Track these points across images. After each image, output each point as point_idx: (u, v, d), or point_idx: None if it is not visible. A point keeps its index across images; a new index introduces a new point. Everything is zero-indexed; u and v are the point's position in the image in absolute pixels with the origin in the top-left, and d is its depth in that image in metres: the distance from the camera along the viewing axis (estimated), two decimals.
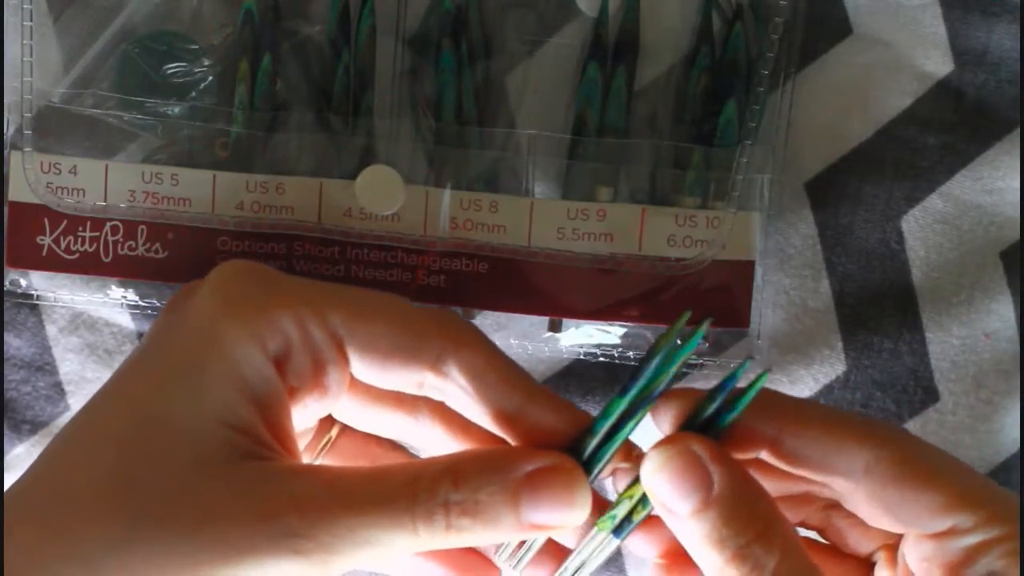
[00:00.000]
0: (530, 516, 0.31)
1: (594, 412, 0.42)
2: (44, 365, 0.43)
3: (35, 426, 0.43)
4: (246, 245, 0.40)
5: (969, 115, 0.42)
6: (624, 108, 0.40)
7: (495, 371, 0.32)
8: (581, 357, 0.42)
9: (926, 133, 0.42)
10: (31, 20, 0.39)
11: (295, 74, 0.41)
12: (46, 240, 0.40)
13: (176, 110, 0.40)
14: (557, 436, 0.32)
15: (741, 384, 0.32)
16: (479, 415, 0.33)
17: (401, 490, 0.30)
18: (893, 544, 0.35)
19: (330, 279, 0.40)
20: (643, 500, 0.32)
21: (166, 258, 0.40)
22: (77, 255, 0.40)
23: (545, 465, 0.31)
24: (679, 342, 0.31)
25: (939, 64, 0.41)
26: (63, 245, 0.40)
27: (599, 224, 0.40)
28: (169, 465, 0.30)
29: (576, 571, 0.33)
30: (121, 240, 0.40)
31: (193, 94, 0.40)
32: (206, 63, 0.40)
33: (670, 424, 0.32)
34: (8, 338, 0.43)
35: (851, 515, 0.34)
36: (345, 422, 0.37)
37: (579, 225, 0.40)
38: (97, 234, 0.40)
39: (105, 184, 0.40)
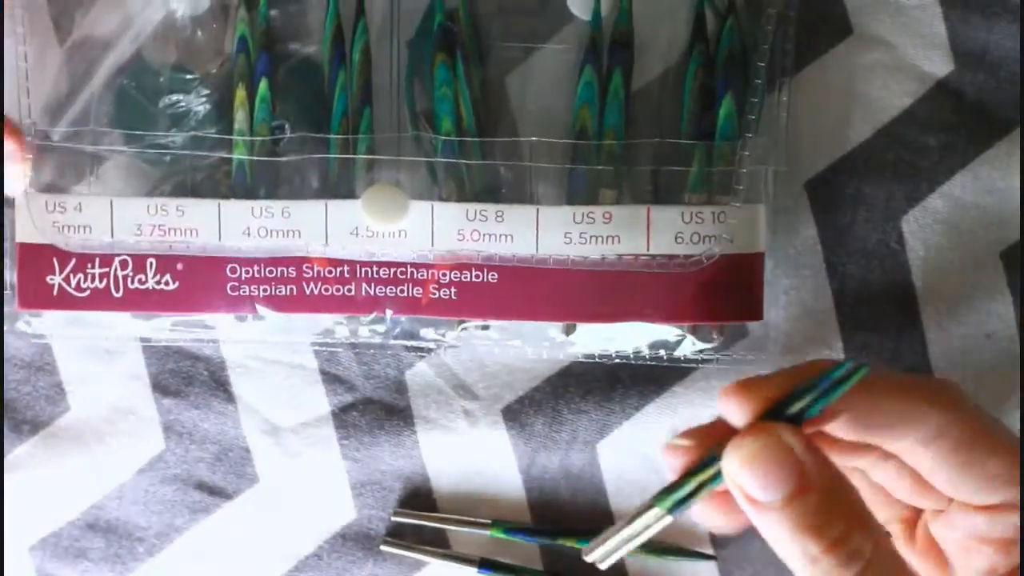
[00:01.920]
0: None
1: (593, 412, 0.42)
2: (44, 365, 0.43)
3: (35, 426, 0.43)
4: (255, 271, 0.40)
5: (969, 115, 0.42)
6: (623, 109, 0.40)
7: None
8: (596, 360, 0.42)
9: (926, 133, 0.42)
10: (26, 61, 0.39)
11: (293, 97, 0.41)
12: (56, 279, 0.40)
13: (177, 141, 0.40)
14: None
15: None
16: None
17: None
18: (910, 517, 0.35)
19: (340, 299, 0.40)
20: (708, 483, 0.31)
21: (177, 289, 0.40)
22: (88, 292, 0.40)
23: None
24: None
25: (939, 64, 0.41)
26: (73, 283, 0.40)
27: (605, 227, 0.40)
28: None
29: (623, 545, 0.31)
30: (131, 274, 0.40)
31: (192, 124, 0.40)
32: (203, 92, 0.40)
33: (745, 415, 0.31)
34: (8, 338, 0.42)
35: (868, 487, 0.34)
36: None
37: (586, 229, 0.40)
38: (107, 270, 0.40)
39: (111, 219, 0.40)
